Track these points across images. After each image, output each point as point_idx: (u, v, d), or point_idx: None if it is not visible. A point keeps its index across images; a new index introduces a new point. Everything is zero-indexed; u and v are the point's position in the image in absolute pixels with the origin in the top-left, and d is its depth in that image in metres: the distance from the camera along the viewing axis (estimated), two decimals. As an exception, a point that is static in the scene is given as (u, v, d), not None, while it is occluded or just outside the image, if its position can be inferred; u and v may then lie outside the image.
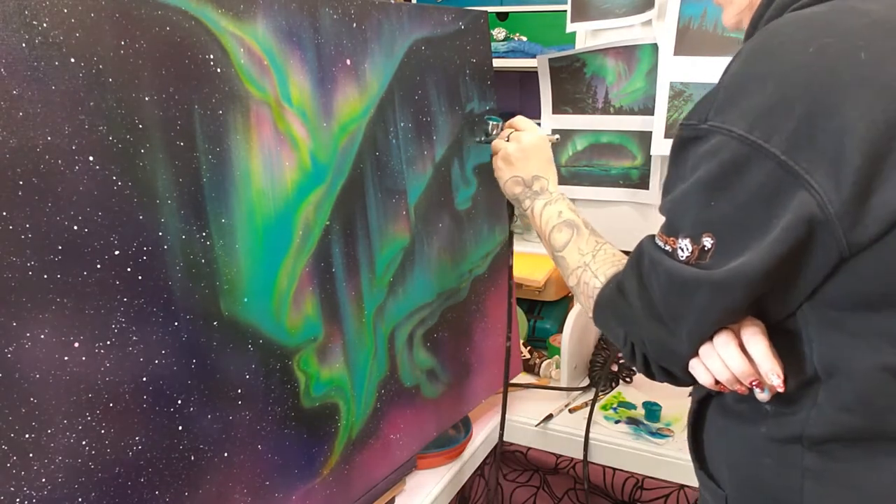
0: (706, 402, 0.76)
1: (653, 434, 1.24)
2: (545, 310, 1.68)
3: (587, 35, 1.44)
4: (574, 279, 0.84)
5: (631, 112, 1.42)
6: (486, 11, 1.22)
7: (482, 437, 1.27)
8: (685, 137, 0.63)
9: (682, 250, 0.62)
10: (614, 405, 1.35)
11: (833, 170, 0.54)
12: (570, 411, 1.34)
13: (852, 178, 0.54)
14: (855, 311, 0.59)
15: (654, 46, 1.35)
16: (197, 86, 0.71)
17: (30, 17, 0.57)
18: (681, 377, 0.69)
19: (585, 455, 1.25)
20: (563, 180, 1.49)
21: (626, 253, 0.87)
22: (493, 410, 1.34)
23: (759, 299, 0.61)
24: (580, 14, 1.42)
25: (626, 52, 1.39)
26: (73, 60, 0.60)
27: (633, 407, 1.34)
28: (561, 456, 1.31)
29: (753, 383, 0.62)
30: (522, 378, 1.42)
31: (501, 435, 1.24)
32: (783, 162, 0.56)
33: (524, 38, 1.72)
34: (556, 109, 1.49)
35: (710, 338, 0.63)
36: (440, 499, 1.12)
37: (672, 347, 0.66)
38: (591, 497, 1.30)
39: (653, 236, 0.67)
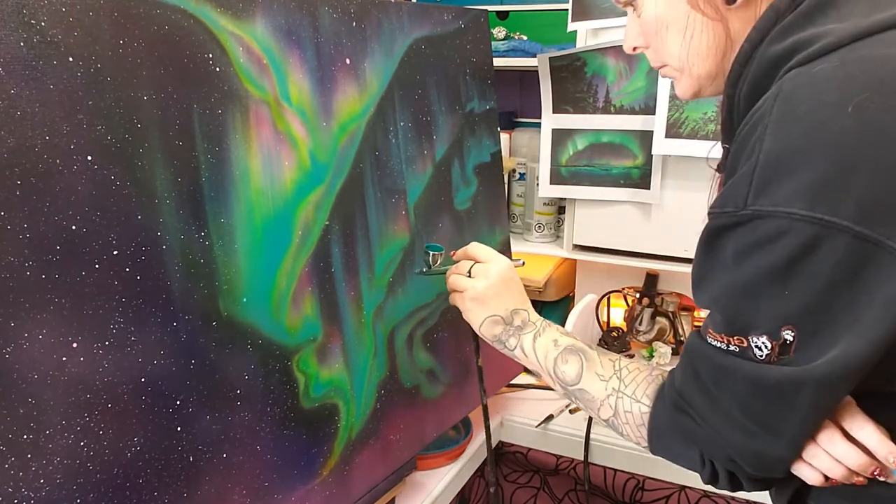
0: (804, 493, 0.68)
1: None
2: (545, 310, 1.68)
3: (588, 34, 1.44)
4: (608, 410, 0.74)
5: (632, 111, 1.41)
6: (486, 10, 1.21)
7: (482, 438, 1.26)
8: (721, 226, 0.57)
9: (760, 349, 0.56)
10: (615, 405, 1.35)
11: None
12: (571, 412, 1.34)
13: None
14: None
15: (655, 46, 1.34)
16: (196, 85, 0.71)
17: (28, 16, 0.57)
18: (779, 480, 0.63)
19: (586, 456, 1.25)
20: (563, 180, 1.49)
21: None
22: (493, 411, 1.34)
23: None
24: (581, 13, 1.42)
25: (627, 52, 1.39)
26: (71, 59, 0.60)
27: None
28: (561, 457, 1.30)
29: (875, 473, 0.58)
30: (522, 378, 1.42)
31: (491, 457, 1.20)
32: (859, 233, 0.51)
33: (524, 37, 1.72)
34: (557, 109, 1.48)
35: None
36: (440, 499, 1.12)
37: (770, 455, 0.59)
38: (592, 498, 1.30)
39: (699, 337, 0.61)
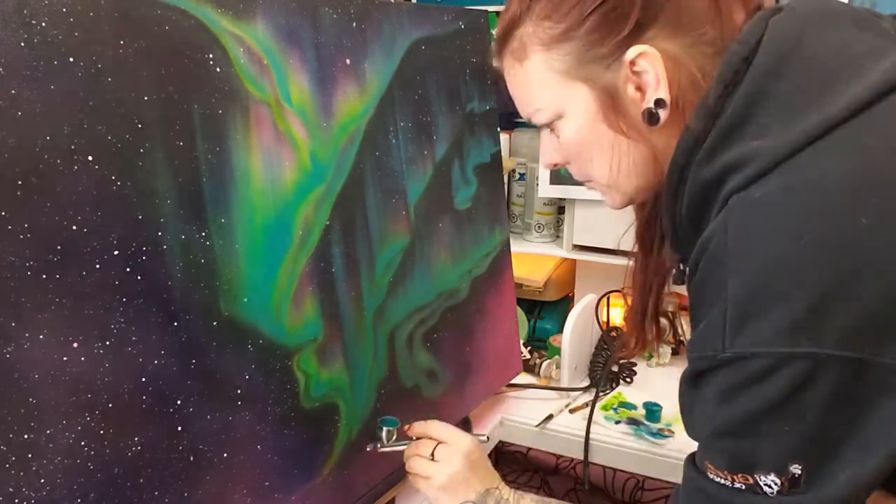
0: None
1: (653, 434, 1.24)
2: (545, 310, 1.68)
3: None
4: None
5: (631, 112, 1.41)
6: (486, 11, 1.21)
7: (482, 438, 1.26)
8: (700, 370, 0.57)
9: (770, 486, 0.54)
10: (615, 405, 1.35)
11: None
12: (571, 412, 1.34)
13: None
14: None
15: (655, 46, 1.34)
16: (196, 85, 0.71)
17: (29, 17, 0.57)
18: None
19: (586, 456, 1.25)
20: (563, 180, 1.49)
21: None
22: (493, 410, 1.34)
23: None
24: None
25: (627, 52, 1.39)
26: (72, 60, 0.60)
27: (634, 407, 1.34)
28: (561, 456, 1.30)
29: None
30: (522, 378, 1.42)
31: None
32: (847, 358, 0.50)
33: (524, 38, 1.71)
34: (557, 109, 1.48)
35: None
36: (440, 499, 1.12)
37: None
38: (592, 498, 1.30)
39: (698, 472, 0.59)
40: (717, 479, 0.57)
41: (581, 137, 0.66)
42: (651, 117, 0.61)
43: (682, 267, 0.69)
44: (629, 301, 0.83)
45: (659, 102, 0.61)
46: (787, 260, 0.51)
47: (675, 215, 0.64)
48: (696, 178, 0.59)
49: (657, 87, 0.60)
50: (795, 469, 0.53)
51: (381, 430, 0.90)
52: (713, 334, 0.54)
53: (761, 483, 0.54)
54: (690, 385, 0.59)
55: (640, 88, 0.61)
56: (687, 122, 0.59)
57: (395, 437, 0.90)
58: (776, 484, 0.54)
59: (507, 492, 0.84)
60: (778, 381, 0.51)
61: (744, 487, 0.55)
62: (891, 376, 0.50)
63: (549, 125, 0.68)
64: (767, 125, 0.56)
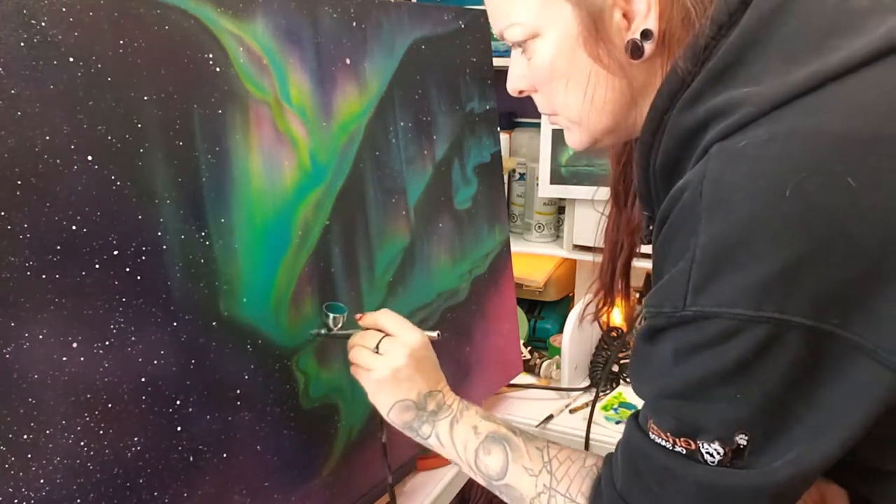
0: None
1: None
2: (545, 310, 1.68)
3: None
4: None
5: (631, 112, 1.41)
6: (486, 10, 1.21)
7: (482, 438, 1.26)
8: (657, 326, 0.53)
9: (712, 455, 0.51)
10: (615, 405, 1.35)
11: (877, 317, 0.46)
12: (571, 412, 1.34)
13: None
14: None
15: (655, 46, 1.34)
16: (196, 85, 0.71)
17: (28, 17, 0.57)
18: None
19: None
20: (563, 180, 1.49)
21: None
22: (493, 410, 1.34)
23: None
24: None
25: (627, 52, 1.39)
26: (71, 60, 0.60)
27: (634, 407, 1.34)
28: (561, 456, 1.30)
29: None
30: (523, 378, 1.42)
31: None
32: (812, 328, 0.46)
33: (524, 38, 1.71)
34: (557, 109, 1.48)
35: None
36: (440, 499, 1.12)
37: None
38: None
39: (640, 431, 0.56)
40: (658, 441, 0.54)
41: (555, 62, 0.60)
42: (635, 49, 0.57)
43: (650, 227, 0.64)
44: (600, 258, 0.78)
45: (646, 34, 0.56)
46: (767, 216, 0.47)
47: (648, 167, 0.59)
48: (677, 123, 0.55)
49: (646, 16, 0.56)
50: (741, 440, 0.50)
51: (328, 315, 0.84)
52: (675, 290, 0.50)
53: (703, 450, 0.52)
54: (645, 341, 0.55)
55: (627, 16, 0.56)
56: (673, 62, 0.55)
57: (341, 325, 0.84)
58: (718, 453, 0.51)
59: (451, 397, 0.77)
60: (737, 346, 0.48)
61: (684, 452, 0.53)
62: (854, 352, 0.47)
63: (522, 44, 0.62)
64: (759, 74, 0.51)
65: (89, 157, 0.61)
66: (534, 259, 1.67)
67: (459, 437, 0.74)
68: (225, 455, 0.75)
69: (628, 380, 1.44)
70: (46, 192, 0.58)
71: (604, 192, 1.29)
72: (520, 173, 1.69)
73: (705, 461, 0.52)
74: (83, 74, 0.61)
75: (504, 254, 1.27)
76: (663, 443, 0.54)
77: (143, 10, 0.66)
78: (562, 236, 1.64)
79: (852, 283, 0.46)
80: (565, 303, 1.72)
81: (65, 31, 0.60)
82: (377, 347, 0.77)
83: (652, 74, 0.58)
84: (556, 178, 1.49)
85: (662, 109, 0.56)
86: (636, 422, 0.58)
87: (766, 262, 0.46)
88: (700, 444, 0.52)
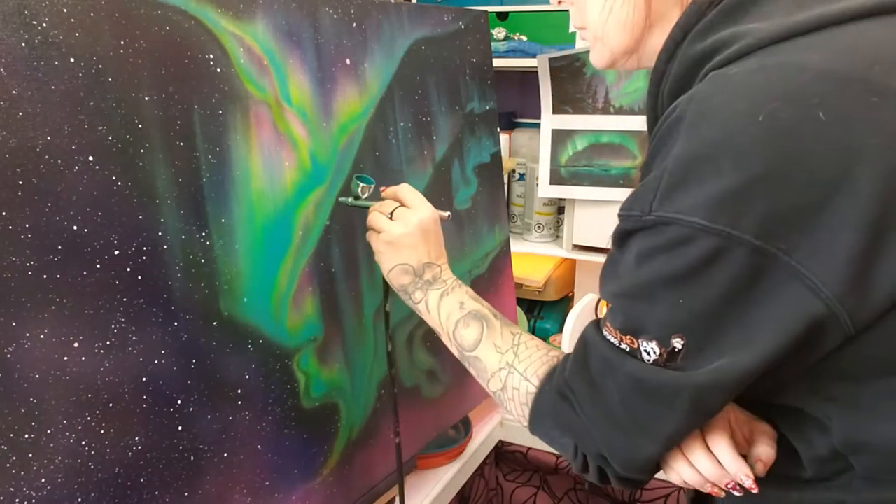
0: None
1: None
2: (545, 310, 1.68)
3: (587, 35, 1.44)
4: (497, 383, 0.73)
5: (631, 112, 1.41)
6: (486, 11, 1.21)
7: (482, 438, 1.27)
8: (626, 229, 0.56)
9: (648, 353, 0.55)
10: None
11: (819, 248, 0.49)
12: (571, 411, 1.34)
13: (845, 253, 0.48)
14: (871, 380, 0.53)
15: (655, 46, 1.35)
16: (196, 85, 0.71)
17: (29, 17, 0.57)
18: (644, 482, 0.63)
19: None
20: (562, 180, 1.49)
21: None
22: (493, 410, 1.34)
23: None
24: (580, 14, 1.42)
25: (627, 52, 1.39)
26: (72, 60, 0.60)
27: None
28: (561, 456, 1.31)
29: (729, 485, 0.59)
30: (522, 378, 1.42)
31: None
32: (758, 248, 0.49)
33: (524, 38, 1.72)
34: (556, 109, 1.49)
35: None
36: (440, 499, 1.12)
37: (639, 454, 0.59)
38: (592, 497, 1.30)
39: (598, 328, 0.60)
40: (609, 337, 0.58)
41: None
42: None
43: None
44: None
45: None
46: (737, 134, 0.50)
47: (658, 95, 0.63)
48: (687, 53, 0.58)
49: None
50: (676, 342, 0.54)
51: (358, 184, 0.90)
52: (645, 195, 0.54)
53: (642, 348, 0.55)
54: (617, 245, 0.59)
55: None
56: None
57: (367, 196, 0.91)
58: (655, 352, 0.55)
59: (447, 275, 0.83)
60: (688, 253, 0.51)
61: (627, 349, 0.56)
62: (792, 279, 0.49)
63: None
64: (768, 13, 0.55)
65: (90, 158, 0.61)
66: (533, 259, 1.67)
67: (445, 308, 0.80)
68: (226, 454, 0.75)
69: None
70: (48, 193, 0.58)
71: (606, 193, 1.29)
72: (520, 173, 1.69)
73: (642, 359, 0.55)
74: (84, 75, 0.61)
75: (504, 254, 1.27)
76: (612, 339, 0.58)
77: (144, 11, 0.66)
78: (561, 236, 1.64)
79: (803, 210, 0.49)
80: (565, 303, 1.72)
81: (66, 31, 0.60)
82: (392, 214, 0.84)
83: (669, 6, 0.62)
84: (556, 179, 1.50)
85: (678, 40, 0.59)
86: (596, 322, 0.62)
87: (726, 178, 0.49)
88: (640, 343, 0.55)
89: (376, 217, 0.85)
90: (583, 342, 0.62)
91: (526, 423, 0.70)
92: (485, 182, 1.20)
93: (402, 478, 0.98)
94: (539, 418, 0.68)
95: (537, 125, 1.52)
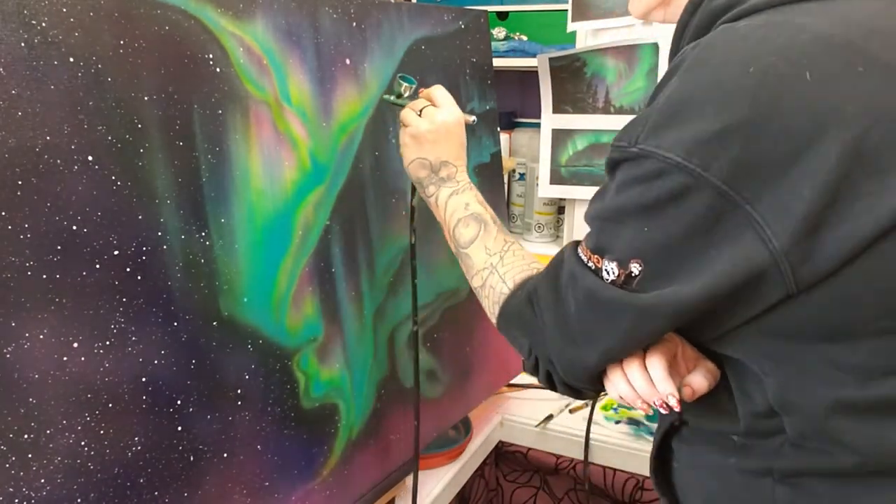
0: (671, 433, 0.74)
1: (653, 434, 1.24)
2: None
3: (588, 34, 1.44)
4: (479, 280, 0.79)
5: (631, 112, 1.41)
6: (486, 11, 1.21)
7: (482, 438, 1.27)
8: (614, 159, 0.59)
9: (608, 273, 0.59)
10: (615, 405, 1.35)
11: (779, 202, 0.51)
12: (571, 411, 1.34)
13: (801, 211, 0.50)
14: (807, 343, 0.56)
15: (655, 46, 1.35)
16: (196, 85, 0.71)
17: (29, 17, 0.57)
18: (585, 391, 0.68)
19: (586, 455, 1.25)
20: (562, 180, 1.49)
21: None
22: (493, 410, 1.34)
23: (687, 321, 0.58)
24: (581, 14, 1.42)
25: (627, 52, 1.39)
26: (72, 60, 0.60)
27: (634, 407, 1.34)
28: (561, 456, 1.30)
29: (657, 403, 0.63)
30: (522, 378, 1.42)
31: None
32: (723, 192, 0.52)
33: (524, 38, 1.72)
34: (557, 109, 1.49)
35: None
36: (440, 499, 1.12)
37: (581, 366, 0.64)
38: (592, 498, 1.30)
39: (576, 246, 0.64)
40: (580, 254, 0.62)
41: None
42: None
43: None
44: None
45: None
46: (725, 81, 0.53)
47: (678, 47, 0.65)
48: (708, 7, 0.61)
49: None
50: (634, 267, 0.57)
51: (401, 83, 0.95)
52: (634, 129, 0.57)
53: (604, 268, 0.59)
54: (607, 174, 0.62)
55: None
56: None
57: (407, 95, 0.96)
58: (614, 273, 0.58)
59: (462, 176, 0.88)
60: (659, 185, 0.54)
61: (593, 268, 0.60)
62: (748, 226, 0.52)
63: None
64: None
65: (90, 157, 0.61)
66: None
67: (451, 205, 0.86)
68: (225, 455, 0.75)
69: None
70: (47, 192, 0.58)
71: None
72: (520, 173, 1.70)
73: (602, 277, 0.59)
74: (84, 74, 0.61)
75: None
76: (582, 256, 0.62)
77: (144, 11, 0.66)
78: (562, 236, 1.64)
79: (772, 163, 0.51)
80: (565, 303, 1.72)
81: (65, 31, 0.60)
82: (421, 112, 0.89)
83: None
84: (556, 179, 1.50)
85: (698, 2, 0.63)
86: (576, 243, 0.65)
87: (707, 122, 0.52)
88: (604, 263, 0.59)
89: (407, 112, 0.91)
90: (558, 258, 0.66)
91: (494, 320, 0.77)
92: (485, 182, 1.20)
93: (416, 464, 1.00)
94: (505, 318, 0.74)
95: (537, 125, 1.52)
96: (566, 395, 0.70)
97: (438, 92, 0.92)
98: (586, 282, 0.60)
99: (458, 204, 0.85)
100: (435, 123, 0.88)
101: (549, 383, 0.70)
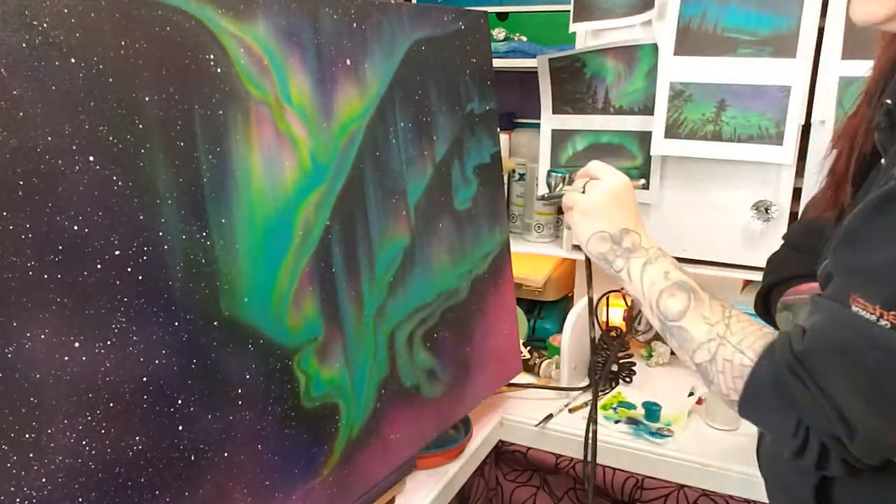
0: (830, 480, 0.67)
1: (653, 434, 1.24)
2: (545, 310, 1.68)
3: (587, 35, 1.44)
4: (705, 354, 0.69)
5: (631, 112, 1.42)
6: (486, 11, 1.22)
7: (482, 437, 1.27)
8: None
9: None
10: (614, 405, 1.35)
11: None
12: (571, 411, 1.34)
13: None
14: None
15: (655, 47, 1.35)
16: (197, 86, 0.71)
17: (30, 18, 0.57)
18: (867, 470, 0.60)
19: (585, 455, 1.25)
20: (563, 180, 1.49)
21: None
22: (493, 410, 1.34)
23: None
24: (582, 14, 1.42)
25: (627, 53, 1.39)
26: (73, 60, 0.60)
27: (633, 407, 1.34)
28: (561, 456, 1.31)
29: None
30: (522, 378, 1.42)
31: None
32: None
33: (524, 38, 1.72)
34: (556, 109, 1.49)
35: None
36: (440, 499, 1.12)
37: (888, 439, 0.56)
38: (592, 497, 1.30)
39: (838, 302, 0.57)
40: (862, 313, 0.54)
41: None
42: None
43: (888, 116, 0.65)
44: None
45: None
46: None
47: None
48: None
49: None
50: None
51: (552, 176, 0.95)
52: None
53: None
54: (876, 209, 0.55)
55: None
56: None
57: (561, 186, 0.94)
58: None
59: (648, 242, 0.82)
60: None
61: (889, 326, 0.52)
62: None
63: None
64: None
65: (91, 158, 0.62)
66: (533, 259, 1.67)
67: (648, 276, 0.78)
68: (226, 454, 0.75)
69: (627, 379, 1.44)
70: (48, 193, 0.58)
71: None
72: (520, 173, 1.70)
73: None
74: (85, 75, 0.61)
75: (504, 254, 1.27)
76: (868, 315, 0.54)
77: (145, 12, 0.66)
78: (561, 236, 1.64)
79: None
80: (564, 303, 1.72)
81: (66, 31, 0.60)
82: (584, 189, 0.86)
83: None
84: (556, 179, 1.50)
85: None
86: (830, 295, 0.58)
87: None
88: None
89: (568, 196, 0.87)
90: (828, 319, 0.58)
91: (735, 397, 0.67)
92: (485, 182, 1.20)
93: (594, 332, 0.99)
94: (755, 393, 0.65)
95: (537, 125, 1.52)
96: (841, 473, 0.62)
97: (594, 165, 0.87)
98: (893, 343, 0.52)
99: (656, 274, 0.78)
100: (603, 193, 0.84)
101: (822, 461, 0.61)
